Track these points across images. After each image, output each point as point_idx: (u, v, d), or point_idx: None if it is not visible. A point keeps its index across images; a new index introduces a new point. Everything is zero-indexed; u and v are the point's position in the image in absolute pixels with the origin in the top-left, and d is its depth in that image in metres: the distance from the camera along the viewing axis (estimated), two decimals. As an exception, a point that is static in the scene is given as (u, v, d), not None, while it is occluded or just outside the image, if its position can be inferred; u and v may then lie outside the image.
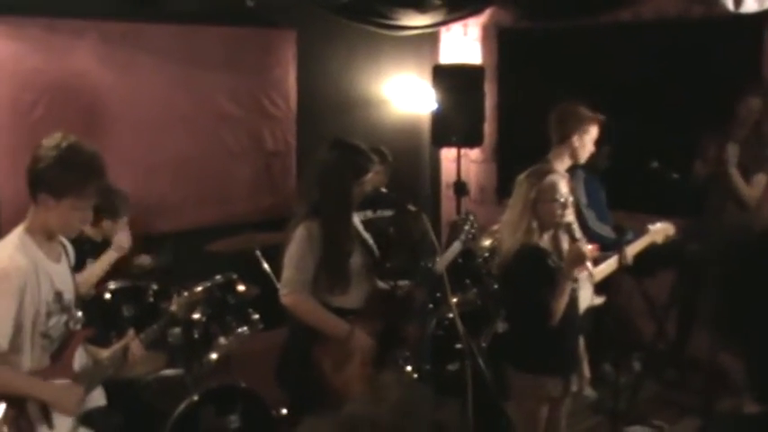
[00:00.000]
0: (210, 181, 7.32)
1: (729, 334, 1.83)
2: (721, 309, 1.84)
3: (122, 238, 5.25)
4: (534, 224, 4.53)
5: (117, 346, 3.86)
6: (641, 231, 5.50)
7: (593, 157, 5.90)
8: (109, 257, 5.15)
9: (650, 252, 5.56)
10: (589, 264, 4.67)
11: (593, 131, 5.73)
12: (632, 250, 5.45)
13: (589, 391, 6.40)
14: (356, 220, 4.91)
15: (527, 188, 4.55)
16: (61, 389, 3.55)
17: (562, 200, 4.51)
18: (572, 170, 5.76)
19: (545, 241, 4.61)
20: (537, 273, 4.51)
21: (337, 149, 4.67)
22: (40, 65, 6.32)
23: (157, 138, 6.96)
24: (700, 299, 6.60)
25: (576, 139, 5.71)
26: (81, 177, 3.44)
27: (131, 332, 3.91)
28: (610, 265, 5.19)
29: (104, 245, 5.42)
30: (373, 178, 6.51)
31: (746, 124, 6.59)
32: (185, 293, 4.43)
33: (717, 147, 6.62)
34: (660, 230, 5.53)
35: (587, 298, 5.29)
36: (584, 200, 6.27)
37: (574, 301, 4.69)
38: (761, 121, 6.61)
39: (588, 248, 4.68)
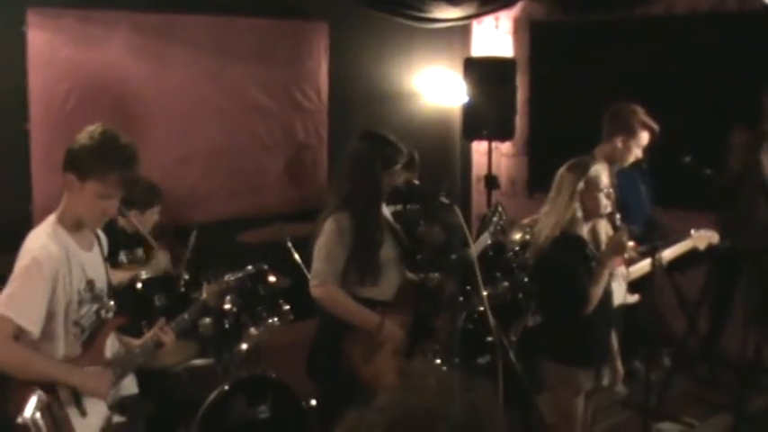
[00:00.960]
0: (242, 172, 7.34)
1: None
2: (762, 305, 1.82)
3: (161, 260, 5.31)
4: (579, 214, 4.55)
5: (148, 335, 3.88)
6: (674, 227, 5.48)
7: None
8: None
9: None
10: (626, 255, 4.68)
11: (642, 138, 5.71)
12: (671, 254, 5.45)
13: (620, 387, 6.38)
14: (387, 211, 4.92)
15: (574, 179, 4.57)
16: (91, 373, 3.57)
17: (606, 190, 4.54)
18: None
19: (584, 232, 4.62)
20: (575, 259, 4.52)
21: (367, 140, 4.69)
22: (74, 56, 6.36)
23: (189, 129, 6.99)
24: (737, 295, 6.57)
25: (619, 141, 5.70)
26: (106, 162, 3.46)
27: (162, 321, 3.93)
28: (641, 267, 5.19)
29: (137, 237, 5.46)
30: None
31: None
32: (216, 283, 4.44)
33: (746, 138, 6.60)
34: (704, 237, 5.52)
35: (621, 294, 5.28)
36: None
37: (608, 293, 4.70)
38: None
39: (630, 244, 4.69)
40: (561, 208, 4.56)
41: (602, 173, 4.59)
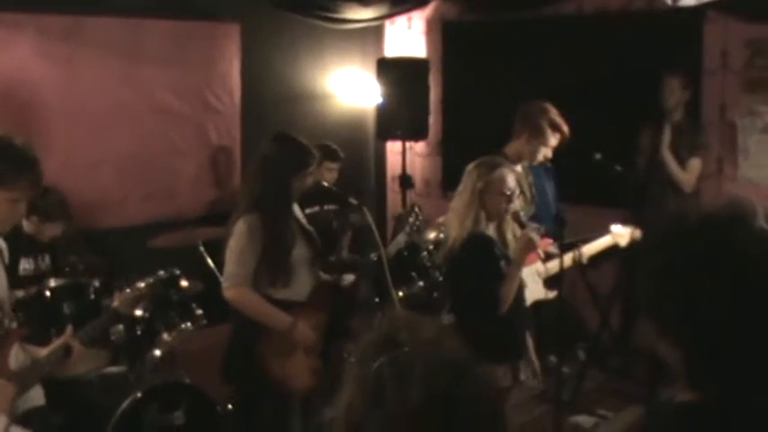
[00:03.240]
0: (154, 176, 7.24)
1: (665, 323, 1.84)
2: (657, 298, 1.85)
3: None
4: (482, 214, 4.57)
5: (56, 344, 3.80)
6: (580, 224, 5.55)
7: None
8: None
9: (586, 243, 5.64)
10: (540, 252, 4.73)
11: (548, 138, 5.77)
12: (591, 250, 5.52)
13: (534, 382, 6.45)
14: (299, 213, 4.91)
15: (475, 178, 4.59)
16: None
17: (509, 193, 4.57)
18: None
19: (491, 231, 4.65)
20: (485, 260, 4.55)
21: (278, 143, 4.69)
22: (-22, 59, 6.21)
23: (100, 133, 6.86)
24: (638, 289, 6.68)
25: (526, 139, 5.76)
26: (13, 168, 3.38)
27: (70, 329, 3.86)
28: (559, 263, 5.25)
29: (41, 242, 5.36)
30: (326, 175, 6.59)
31: (673, 107, 6.72)
32: (128, 290, 4.38)
33: (651, 134, 6.75)
34: (624, 234, 5.59)
35: (538, 291, 5.34)
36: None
37: (520, 289, 4.73)
38: (689, 105, 6.76)
39: (538, 238, 4.71)
40: (462, 207, 4.59)
41: (507, 174, 4.61)
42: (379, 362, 1.65)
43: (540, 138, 5.78)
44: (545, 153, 5.83)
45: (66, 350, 3.78)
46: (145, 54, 7.08)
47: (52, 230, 5.45)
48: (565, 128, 5.81)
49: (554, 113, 5.83)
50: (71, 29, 6.65)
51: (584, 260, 5.57)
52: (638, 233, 5.62)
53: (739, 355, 1.75)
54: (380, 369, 1.65)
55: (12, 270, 4.29)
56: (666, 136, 6.64)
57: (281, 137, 4.77)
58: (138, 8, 6.91)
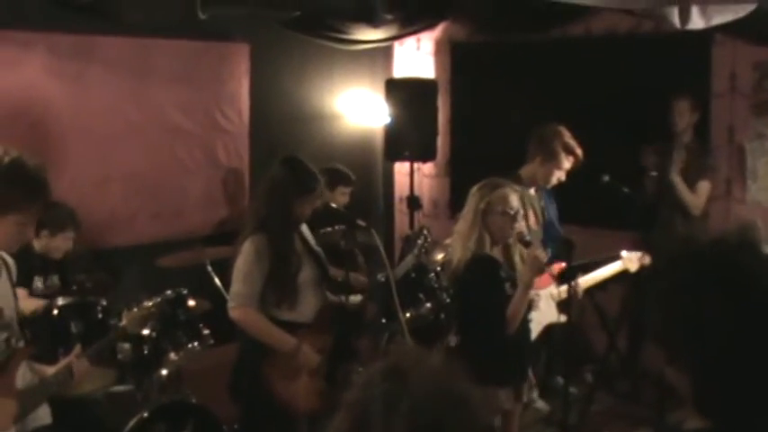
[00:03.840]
0: (162, 195, 7.26)
1: (672, 348, 1.83)
2: (664, 322, 1.84)
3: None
4: (485, 235, 4.56)
5: (63, 363, 3.80)
6: (587, 246, 5.55)
7: None
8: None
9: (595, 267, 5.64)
10: (551, 270, 4.72)
11: (563, 161, 5.78)
12: (600, 276, 5.52)
13: (541, 404, 6.44)
14: (308, 234, 4.92)
15: (477, 199, 4.59)
16: None
17: (512, 212, 4.56)
18: None
19: (496, 253, 4.63)
20: (488, 281, 4.54)
21: (284, 167, 4.72)
22: (-11, 78, 6.24)
23: (109, 151, 6.88)
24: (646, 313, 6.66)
25: (539, 162, 5.77)
26: (26, 193, 3.37)
27: (78, 348, 3.85)
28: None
29: (53, 260, 5.37)
30: (339, 199, 6.62)
31: (682, 130, 6.73)
32: (135, 309, 4.38)
33: (659, 157, 6.74)
34: (635, 259, 5.59)
35: (551, 314, 5.34)
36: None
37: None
38: (698, 127, 6.77)
39: (544, 256, 4.69)
40: (465, 229, 4.59)
41: (510, 194, 4.60)
42: (371, 391, 1.65)
43: (553, 161, 5.79)
44: (559, 176, 5.84)
45: (72, 369, 3.77)
46: (155, 73, 7.11)
47: (65, 243, 5.47)
48: (579, 151, 5.83)
49: (568, 136, 5.85)
50: (81, 48, 6.68)
51: (580, 293, 5.57)
52: (647, 259, 5.61)
53: (747, 382, 1.74)
54: (370, 398, 1.65)
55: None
56: (676, 160, 6.63)
57: (289, 160, 4.80)
58: (149, 28, 6.93)
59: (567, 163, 5.84)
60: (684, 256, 1.84)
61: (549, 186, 5.97)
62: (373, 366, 1.75)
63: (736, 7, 5.08)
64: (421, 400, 1.63)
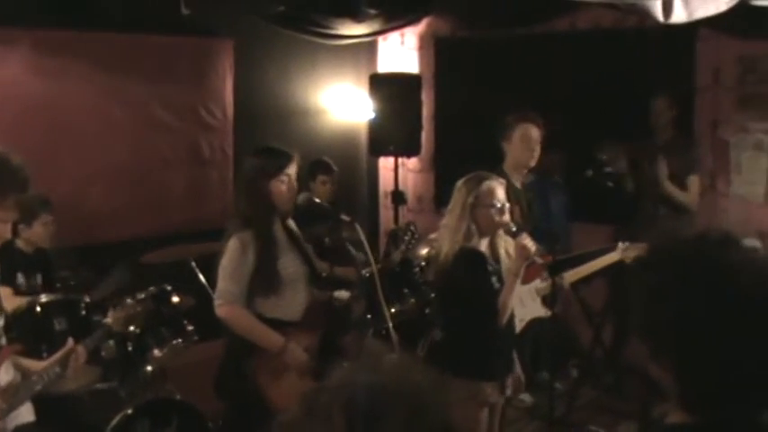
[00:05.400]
0: (146, 191, 7.24)
1: (656, 344, 1.83)
2: (648, 319, 1.84)
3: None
4: (473, 228, 4.56)
5: (57, 356, 3.77)
6: (576, 240, 5.56)
7: (541, 163, 5.96)
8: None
9: (584, 259, 5.64)
10: (538, 260, 4.71)
11: (526, 133, 5.77)
12: (595, 267, 5.52)
13: (526, 397, 6.45)
14: (295, 229, 4.91)
15: (465, 193, 4.58)
16: None
17: (499, 205, 4.55)
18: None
19: (482, 247, 4.63)
20: (476, 274, 4.54)
21: (253, 155, 4.77)
22: (-29, 74, 6.21)
23: (93, 148, 6.86)
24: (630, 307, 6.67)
25: (506, 146, 5.78)
26: (2, 187, 3.37)
27: (71, 342, 3.83)
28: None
29: (36, 257, 5.34)
30: (319, 188, 6.60)
31: (662, 127, 6.75)
32: (120, 308, 4.37)
33: (642, 150, 6.75)
34: (632, 250, 5.59)
35: (536, 309, 5.34)
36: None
37: None
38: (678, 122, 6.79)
39: (532, 245, 4.67)
40: (453, 222, 4.58)
41: (496, 187, 4.61)
42: (328, 391, 1.60)
43: (514, 135, 5.79)
44: (531, 149, 5.82)
45: (65, 362, 3.75)
46: (138, 69, 7.09)
47: (45, 228, 5.42)
48: (539, 119, 5.81)
49: (527, 115, 5.85)
50: (65, 44, 6.66)
51: (566, 284, 5.58)
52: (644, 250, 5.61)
53: (729, 377, 1.74)
54: (327, 397, 1.59)
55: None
56: (663, 168, 6.63)
57: (256, 149, 4.85)
58: (131, 23, 6.91)
59: (529, 131, 5.81)
60: (668, 252, 1.85)
61: (531, 165, 5.94)
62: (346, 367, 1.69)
63: (719, 1, 5.08)
64: (376, 405, 1.57)
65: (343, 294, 5.36)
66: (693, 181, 6.73)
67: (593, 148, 6.82)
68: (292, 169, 4.70)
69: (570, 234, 6.86)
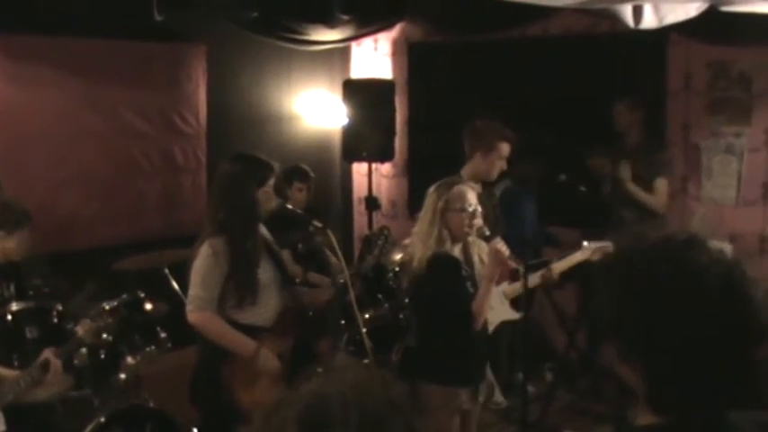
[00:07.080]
0: (120, 197, 7.21)
1: (623, 346, 1.84)
2: (615, 321, 1.85)
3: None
4: (445, 233, 4.56)
5: (30, 369, 3.74)
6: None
7: (519, 170, 5.97)
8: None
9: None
10: (512, 263, 4.71)
11: (501, 149, 5.78)
12: (563, 266, 5.53)
13: (500, 398, 6.46)
14: (268, 235, 4.90)
15: (435, 198, 4.59)
16: None
17: (470, 209, 4.56)
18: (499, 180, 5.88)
19: (456, 252, 4.64)
20: (451, 279, 4.54)
21: (238, 162, 4.72)
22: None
23: (65, 154, 6.83)
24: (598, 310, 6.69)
25: (479, 156, 5.77)
26: None
27: (47, 353, 3.80)
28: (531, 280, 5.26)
29: (8, 267, 5.29)
30: (296, 195, 6.58)
31: (624, 130, 6.80)
32: (92, 319, 4.35)
33: (611, 155, 6.79)
34: (597, 249, 5.59)
35: (505, 312, 5.34)
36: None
37: None
38: (644, 127, 6.83)
39: (506, 249, 4.67)
40: (425, 228, 4.59)
41: (467, 192, 4.62)
42: (286, 404, 1.58)
43: (494, 152, 5.78)
44: (500, 166, 5.83)
45: (44, 367, 3.73)
46: (111, 75, 7.07)
47: (22, 241, 5.36)
48: (511, 135, 5.82)
49: (499, 126, 5.85)
50: (36, 50, 6.62)
51: (555, 277, 5.56)
52: (611, 248, 5.63)
53: (697, 378, 1.75)
54: (284, 410, 1.57)
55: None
56: (626, 170, 6.68)
57: (240, 156, 4.80)
58: (104, 29, 6.88)
59: (506, 150, 5.83)
60: (634, 254, 1.86)
61: (492, 179, 5.96)
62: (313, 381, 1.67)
63: (688, 7, 5.11)
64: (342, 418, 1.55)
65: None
66: (661, 183, 6.76)
67: (581, 154, 6.87)
68: (273, 179, 4.72)
69: (542, 240, 6.90)
